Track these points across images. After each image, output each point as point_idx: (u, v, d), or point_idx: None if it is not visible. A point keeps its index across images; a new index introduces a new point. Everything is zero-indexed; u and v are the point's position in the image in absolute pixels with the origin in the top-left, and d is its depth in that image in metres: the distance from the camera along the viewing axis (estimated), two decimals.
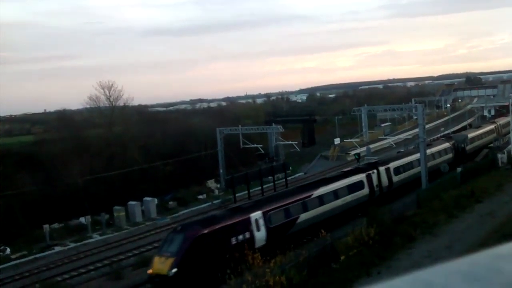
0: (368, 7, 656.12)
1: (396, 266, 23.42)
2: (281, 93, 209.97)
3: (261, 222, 26.96)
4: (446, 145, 50.42)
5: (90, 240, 37.34)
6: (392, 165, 39.83)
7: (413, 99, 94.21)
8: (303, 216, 29.74)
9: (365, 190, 35.83)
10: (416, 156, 41.85)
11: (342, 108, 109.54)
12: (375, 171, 37.55)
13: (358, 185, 35.25)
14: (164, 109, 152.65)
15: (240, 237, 25.34)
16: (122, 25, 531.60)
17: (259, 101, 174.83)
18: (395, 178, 39.44)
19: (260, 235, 26.70)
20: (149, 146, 58.02)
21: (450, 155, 48.91)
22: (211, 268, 23.40)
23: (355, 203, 34.03)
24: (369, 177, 36.56)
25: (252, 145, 53.72)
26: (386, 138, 61.00)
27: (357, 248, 25.48)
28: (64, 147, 53.51)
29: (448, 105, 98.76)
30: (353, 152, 57.75)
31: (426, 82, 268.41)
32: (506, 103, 70.53)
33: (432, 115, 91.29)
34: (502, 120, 68.41)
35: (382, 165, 38.96)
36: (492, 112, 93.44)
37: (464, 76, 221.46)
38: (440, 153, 48.40)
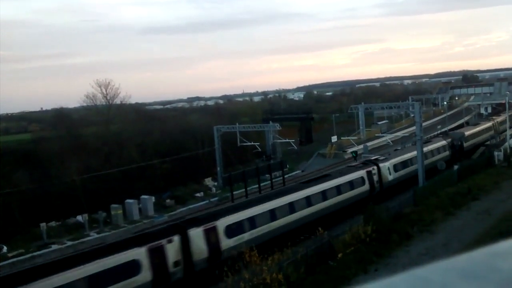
0: (364, 4, 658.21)
1: (394, 264, 23.51)
2: (279, 91, 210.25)
3: None
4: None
5: (88, 238, 37.28)
6: (224, 222, 25.99)
7: (410, 97, 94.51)
8: None
9: (144, 275, 21.53)
10: (282, 200, 29.94)
11: (339, 106, 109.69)
12: (175, 238, 23.25)
13: (127, 271, 20.86)
14: (161, 107, 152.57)
15: None
16: (119, 23, 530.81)
17: (256, 99, 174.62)
18: (228, 242, 25.73)
19: None
20: (146, 144, 57.95)
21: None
22: None
23: None
24: (155, 253, 22.09)
25: (249, 143, 53.68)
26: (383, 136, 61.06)
27: (355, 246, 25.55)
28: (61, 145, 53.46)
29: (445, 103, 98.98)
30: (350, 150, 57.86)
31: (423, 80, 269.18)
32: (503, 101, 70.72)
33: (429, 113, 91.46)
34: (468, 131, 58.16)
35: (199, 226, 24.83)
36: (489, 110, 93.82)
37: (461, 74, 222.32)
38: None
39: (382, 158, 41.24)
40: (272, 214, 28.99)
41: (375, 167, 38.39)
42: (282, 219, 29.36)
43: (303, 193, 31.45)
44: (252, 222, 27.51)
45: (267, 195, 32.55)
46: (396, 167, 40.80)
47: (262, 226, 27.99)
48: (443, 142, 51.14)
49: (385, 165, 39.60)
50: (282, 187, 36.87)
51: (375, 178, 37.87)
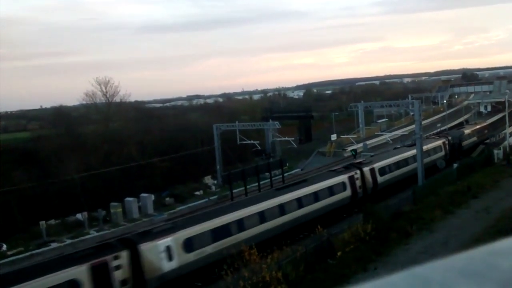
0: (363, 3, 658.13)
1: (393, 262, 23.51)
2: (278, 89, 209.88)
3: None
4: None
5: (87, 237, 37.30)
6: None
7: (409, 95, 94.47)
8: None
9: None
10: None
11: (338, 104, 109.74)
12: None
13: None
14: (161, 105, 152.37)
15: None
16: (118, 21, 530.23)
17: (256, 97, 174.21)
18: None
19: None
20: (146, 142, 57.93)
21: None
22: None
23: None
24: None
25: (249, 142, 53.67)
26: (382, 134, 61.11)
27: (354, 244, 25.56)
28: (61, 144, 53.42)
29: (445, 101, 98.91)
30: (349, 148, 57.87)
31: (423, 78, 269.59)
32: (502, 99, 70.75)
33: (429, 111, 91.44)
34: (386, 159, 41.06)
35: None
36: (489, 108, 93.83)
37: (461, 72, 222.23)
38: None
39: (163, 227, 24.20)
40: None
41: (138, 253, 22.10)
42: None
43: None
44: None
45: None
46: (190, 244, 23.55)
47: None
48: (343, 177, 34.55)
49: (156, 246, 22.44)
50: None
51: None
